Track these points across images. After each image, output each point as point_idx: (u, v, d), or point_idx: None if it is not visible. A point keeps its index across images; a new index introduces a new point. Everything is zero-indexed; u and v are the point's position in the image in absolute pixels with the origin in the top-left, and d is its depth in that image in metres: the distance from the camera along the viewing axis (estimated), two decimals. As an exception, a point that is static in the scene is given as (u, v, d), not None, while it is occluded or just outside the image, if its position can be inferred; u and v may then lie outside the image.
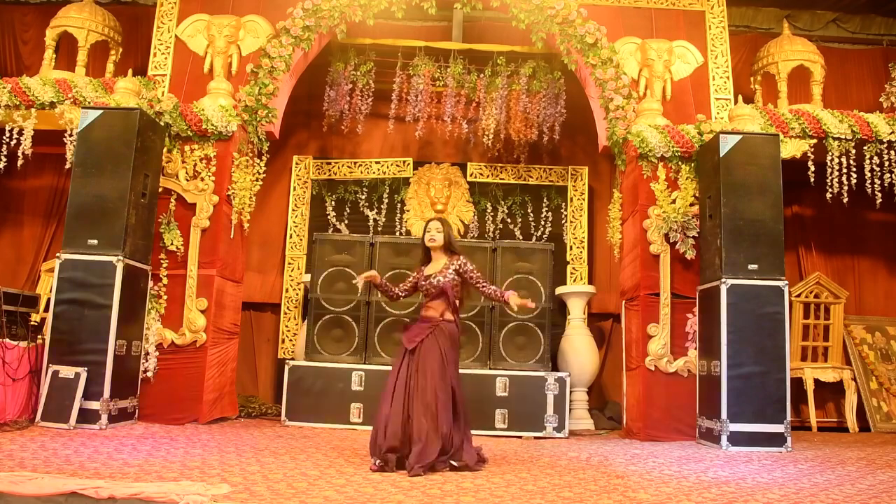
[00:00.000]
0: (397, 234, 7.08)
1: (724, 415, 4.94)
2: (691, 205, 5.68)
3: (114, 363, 4.90)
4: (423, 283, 4.00)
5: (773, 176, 5.20)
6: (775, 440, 4.87)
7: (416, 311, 4.43)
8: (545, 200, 7.26)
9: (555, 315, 6.44)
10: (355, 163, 7.37)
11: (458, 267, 3.98)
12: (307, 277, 6.47)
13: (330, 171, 7.37)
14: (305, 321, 6.29)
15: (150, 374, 5.40)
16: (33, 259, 6.89)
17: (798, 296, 6.67)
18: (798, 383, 6.46)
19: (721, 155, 5.26)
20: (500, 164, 7.27)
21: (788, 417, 4.93)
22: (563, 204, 7.27)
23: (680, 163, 5.80)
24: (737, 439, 4.88)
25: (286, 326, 7.09)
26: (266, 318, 7.18)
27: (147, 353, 5.41)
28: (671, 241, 5.65)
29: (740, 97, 6.03)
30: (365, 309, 6.04)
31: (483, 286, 4.01)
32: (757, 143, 5.30)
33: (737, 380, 4.95)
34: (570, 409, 6.02)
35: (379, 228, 7.16)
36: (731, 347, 4.97)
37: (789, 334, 5.07)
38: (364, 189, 7.28)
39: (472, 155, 7.36)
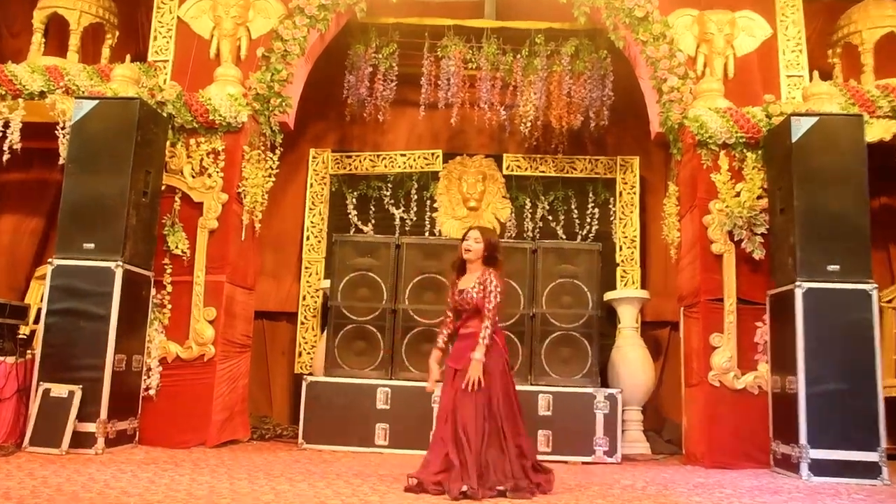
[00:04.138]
0: (426, 234, 7.11)
1: (802, 439, 4.78)
2: (759, 198, 5.58)
3: (112, 380, 4.89)
4: (457, 298, 4.05)
5: (856, 162, 5.03)
6: (868, 470, 4.68)
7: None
8: (591, 195, 7.22)
9: (603, 324, 6.41)
10: (378, 156, 7.39)
11: (483, 279, 4.00)
12: (326, 283, 6.49)
13: (350, 165, 7.40)
14: (325, 332, 6.33)
15: (152, 391, 5.40)
16: (24, 265, 6.91)
17: (889, 301, 6.42)
18: (892, 404, 6.11)
19: (794, 140, 5.12)
20: (539, 156, 7.25)
21: (883, 444, 4.73)
22: (612, 199, 7.22)
23: (745, 150, 5.70)
24: (819, 468, 4.73)
25: (303, 338, 7.11)
26: (281, 329, 7.20)
27: (149, 369, 5.42)
28: (736, 238, 5.56)
29: (816, 73, 5.85)
30: (391, 318, 6.04)
31: (485, 313, 3.95)
32: (837, 125, 5.16)
33: (817, 398, 4.79)
34: (623, 431, 5.95)
35: (406, 228, 7.19)
36: (810, 361, 4.84)
37: (879, 346, 4.87)
38: (388, 185, 7.31)
39: (508, 145, 7.35)
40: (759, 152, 5.65)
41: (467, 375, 3.86)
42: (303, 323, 7.13)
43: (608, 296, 6.66)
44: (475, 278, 4.04)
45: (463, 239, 4.14)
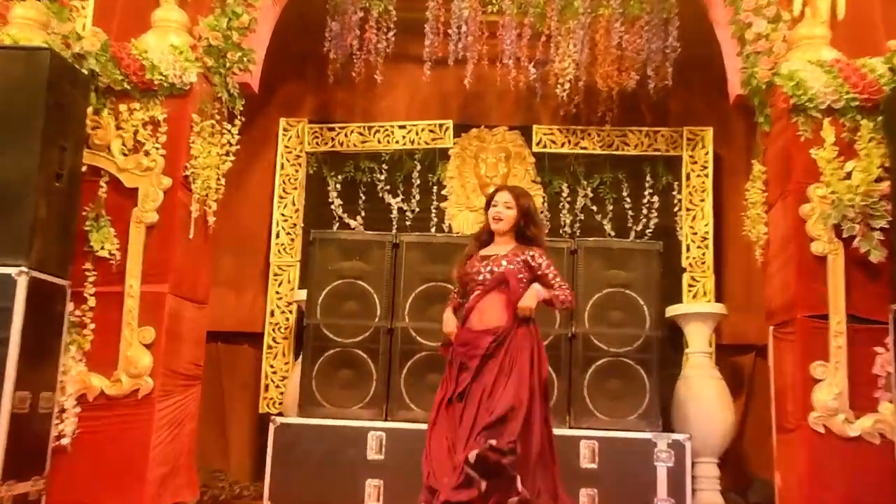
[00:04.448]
0: (433, 230, 7.14)
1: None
2: (877, 180, 5.31)
3: (10, 427, 4.62)
4: (472, 271, 4.26)
5: None
6: None
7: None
8: (648, 178, 7.17)
9: (665, 348, 6.40)
10: (370, 128, 7.35)
11: (529, 258, 4.23)
12: (302, 295, 6.48)
13: (334, 140, 7.36)
14: (300, 359, 6.36)
15: (66, 441, 5.16)
16: None
17: None
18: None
19: (930, 103, 4.92)
20: (580, 128, 7.21)
21: None
22: (676, 183, 7.15)
23: (858, 117, 5.44)
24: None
25: (271, 367, 7.04)
26: (242, 355, 7.20)
27: (63, 411, 5.18)
28: (845, 235, 5.33)
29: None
30: (386, 340, 6.07)
31: (560, 288, 4.28)
32: None
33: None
34: (694, 491, 5.91)
35: (406, 223, 7.23)
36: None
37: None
38: (383, 166, 7.31)
39: (539, 114, 7.33)
40: (879, 120, 5.41)
41: (522, 303, 4.12)
42: (270, 347, 7.08)
43: (671, 311, 6.64)
44: (507, 249, 4.26)
45: (489, 204, 4.32)
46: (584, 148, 7.22)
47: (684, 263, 7.05)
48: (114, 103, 5.58)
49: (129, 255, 5.43)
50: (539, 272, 4.24)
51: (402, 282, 6.12)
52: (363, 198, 7.30)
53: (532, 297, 4.15)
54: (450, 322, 4.36)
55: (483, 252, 4.33)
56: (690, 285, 7.02)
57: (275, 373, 7.04)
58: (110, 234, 5.44)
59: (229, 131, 5.86)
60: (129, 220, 5.47)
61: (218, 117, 5.87)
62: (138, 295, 5.41)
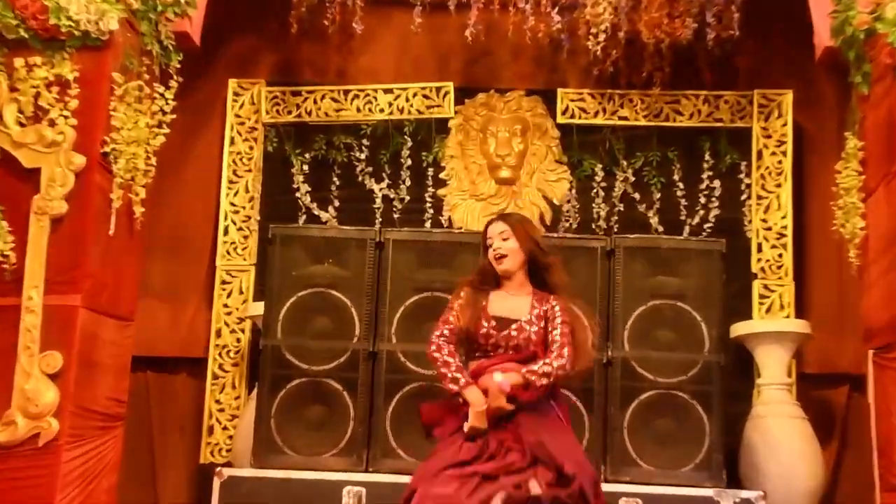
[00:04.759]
0: (427, 225, 7.11)
1: None
2: None
3: None
4: (480, 332, 4.17)
5: None
6: None
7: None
8: (707, 157, 7.08)
9: (730, 378, 6.33)
10: (346, 92, 7.26)
11: (546, 311, 4.22)
12: (258, 308, 6.40)
13: (300, 107, 7.27)
14: (254, 391, 6.33)
15: None
16: None
17: None
18: None
19: None
20: (619, 92, 7.12)
21: None
22: (744, 163, 7.07)
23: None
24: None
25: (217, 402, 6.93)
26: (179, 388, 7.10)
27: None
28: None
29: None
30: (367, 367, 6.02)
31: (546, 363, 4.14)
32: None
33: None
34: None
35: (394, 215, 7.17)
36: None
37: None
38: (364, 142, 7.24)
39: (566, 74, 7.25)
40: None
41: (491, 402, 4.03)
42: (217, 377, 6.96)
43: (738, 329, 6.54)
44: (526, 304, 4.18)
45: (484, 239, 4.29)
46: (624, 118, 7.12)
47: (755, 268, 6.92)
48: (6, 56, 5.42)
49: (29, 256, 5.27)
50: (549, 328, 4.18)
51: (387, 291, 6.06)
52: (337, 182, 7.19)
53: (494, 395, 4.02)
54: (479, 400, 4.08)
55: (494, 308, 4.20)
56: (763, 296, 6.89)
57: (221, 410, 6.90)
58: (2, 230, 5.25)
59: (162, 96, 5.71)
60: (29, 211, 5.33)
61: (147, 77, 5.72)
62: (41, 309, 5.26)
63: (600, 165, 7.14)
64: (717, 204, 7.06)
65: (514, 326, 4.15)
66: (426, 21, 6.75)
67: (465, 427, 4.04)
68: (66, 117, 5.36)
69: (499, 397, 4.00)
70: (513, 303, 4.23)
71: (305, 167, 7.24)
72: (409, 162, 7.20)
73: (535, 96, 7.24)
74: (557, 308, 4.21)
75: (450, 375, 4.10)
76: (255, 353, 6.54)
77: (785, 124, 7.06)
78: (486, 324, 4.16)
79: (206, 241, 7.22)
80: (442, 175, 7.25)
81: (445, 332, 4.18)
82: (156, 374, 7.05)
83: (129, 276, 5.88)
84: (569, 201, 7.14)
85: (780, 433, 6.24)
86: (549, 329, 4.19)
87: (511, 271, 4.22)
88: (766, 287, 6.93)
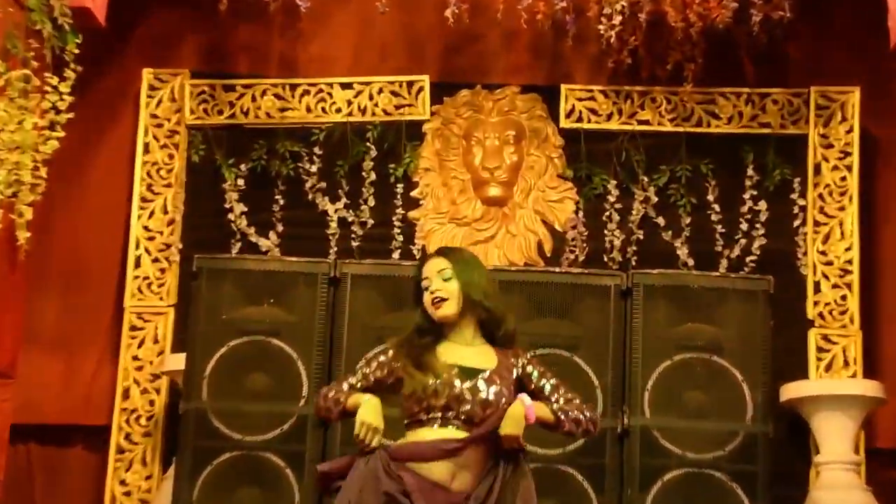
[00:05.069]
0: (395, 255, 7.05)
1: None
2: None
3: None
4: (449, 380, 3.98)
5: None
6: None
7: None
8: (750, 171, 7.03)
9: (781, 453, 6.31)
10: (294, 87, 7.28)
11: (522, 364, 4.16)
12: (179, 362, 6.37)
13: (234, 106, 7.28)
14: (171, 469, 6.28)
15: None
16: None
17: None
18: None
19: None
20: (638, 89, 7.14)
21: None
22: (797, 180, 7.03)
23: None
24: None
25: (122, 483, 6.81)
26: (73, 464, 7.00)
27: None
28: None
29: None
30: (317, 437, 5.98)
31: (567, 401, 4.14)
32: None
33: None
34: None
35: (353, 243, 7.12)
36: None
37: None
38: (316, 150, 7.19)
39: (572, 66, 7.27)
40: None
41: (505, 430, 3.89)
42: (123, 450, 6.86)
43: (790, 392, 6.48)
44: (489, 355, 4.10)
45: (421, 280, 4.18)
46: (645, 122, 7.09)
47: (811, 313, 6.85)
48: None
49: None
50: (532, 384, 4.10)
51: (344, 341, 5.97)
52: (282, 202, 7.11)
53: (516, 419, 3.91)
54: (371, 412, 3.96)
55: (448, 356, 4.06)
56: (822, 349, 6.79)
57: (128, 494, 6.78)
58: None
59: (56, 89, 5.64)
60: None
61: (36, 65, 5.69)
62: None
63: (614, 182, 7.06)
64: (762, 231, 6.96)
65: (482, 376, 3.98)
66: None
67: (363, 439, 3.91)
68: (-84, 115, 5.44)
69: (518, 424, 3.88)
70: (472, 352, 4.09)
71: (241, 182, 7.15)
72: (373, 176, 7.11)
73: (533, 94, 7.21)
74: (522, 357, 4.15)
75: (333, 398, 4.03)
76: (174, 420, 6.48)
77: (850, 130, 6.99)
78: (445, 374, 3.96)
79: (112, 275, 7.12)
80: (414, 193, 7.17)
81: (343, 385, 4.11)
82: (42, 446, 6.96)
83: (9, 321, 5.87)
84: (574, 227, 7.04)
85: (845, 528, 6.08)
86: (533, 386, 4.09)
87: (451, 317, 4.07)
88: (825, 338, 6.84)
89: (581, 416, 4.02)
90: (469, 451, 3.88)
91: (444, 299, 4.04)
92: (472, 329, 4.13)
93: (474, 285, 4.10)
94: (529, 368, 4.13)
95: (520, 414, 3.89)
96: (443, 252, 4.29)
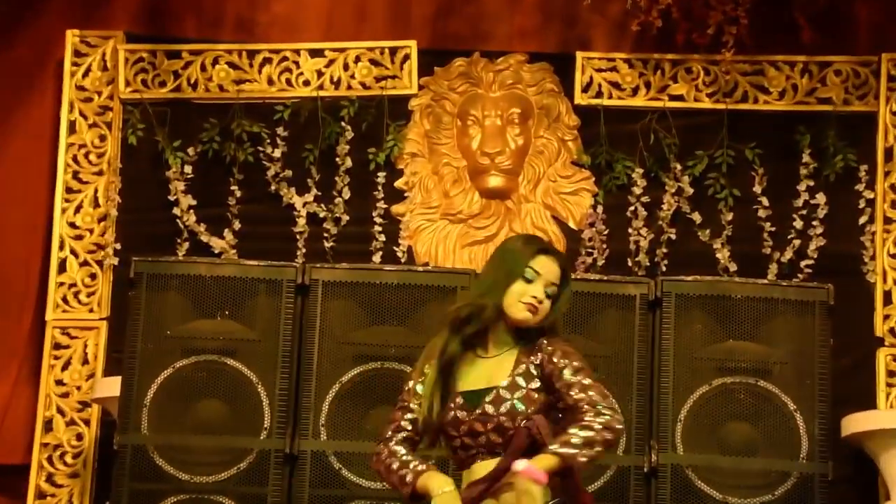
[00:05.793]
0: (376, 258, 6.87)
1: None
2: None
3: None
4: (457, 411, 3.81)
5: None
6: None
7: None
8: (805, 158, 6.77)
9: (841, 495, 6.13)
10: (252, 54, 7.11)
11: (542, 359, 3.83)
12: (111, 388, 6.18)
13: (179, 77, 7.14)
14: None
15: None
16: None
17: None
18: None
19: None
20: (669, 58, 6.99)
21: None
22: (864, 167, 6.79)
23: None
24: None
25: None
26: None
27: None
28: None
29: None
30: (282, 476, 5.77)
31: (581, 409, 3.78)
32: None
33: None
34: None
35: (326, 242, 6.92)
36: None
37: None
38: (279, 130, 6.98)
39: (589, 32, 7.13)
40: None
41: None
42: (44, 494, 6.71)
43: (853, 425, 6.23)
44: (507, 362, 3.85)
45: (522, 267, 3.88)
46: (679, 97, 6.88)
47: (880, 329, 6.59)
48: None
49: None
50: (553, 379, 3.76)
51: (314, 359, 5.72)
52: (239, 194, 6.86)
53: (532, 496, 3.53)
54: (442, 482, 3.63)
55: (463, 380, 3.83)
56: (894, 373, 6.61)
57: None
58: None
59: None
60: None
61: None
62: None
63: (641, 170, 6.82)
64: (820, 230, 6.70)
65: (487, 399, 3.73)
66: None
67: None
68: None
69: (530, 494, 3.49)
70: (487, 367, 3.83)
71: (188, 169, 6.87)
72: (349, 163, 6.86)
73: (543, 63, 6.97)
74: (553, 349, 3.80)
75: (398, 472, 3.66)
76: (108, 458, 6.19)
77: (930, 108, 6.65)
78: (452, 405, 3.78)
79: (31, 282, 6.92)
80: (398, 183, 6.95)
81: (399, 436, 3.77)
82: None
83: None
84: (592, 224, 6.78)
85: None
86: (556, 384, 3.73)
87: (527, 325, 3.80)
88: (897, 359, 6.58)
89: (590, 434, 3.58)
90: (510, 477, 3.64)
91: (537, 309, 3.76)
92: (511, 334, 3.83)
93: (561, 311, 3.91)
94: (550, 363, 3.78)
95: (524, 486, 3.52)
96: (563, 262, 3.90)
